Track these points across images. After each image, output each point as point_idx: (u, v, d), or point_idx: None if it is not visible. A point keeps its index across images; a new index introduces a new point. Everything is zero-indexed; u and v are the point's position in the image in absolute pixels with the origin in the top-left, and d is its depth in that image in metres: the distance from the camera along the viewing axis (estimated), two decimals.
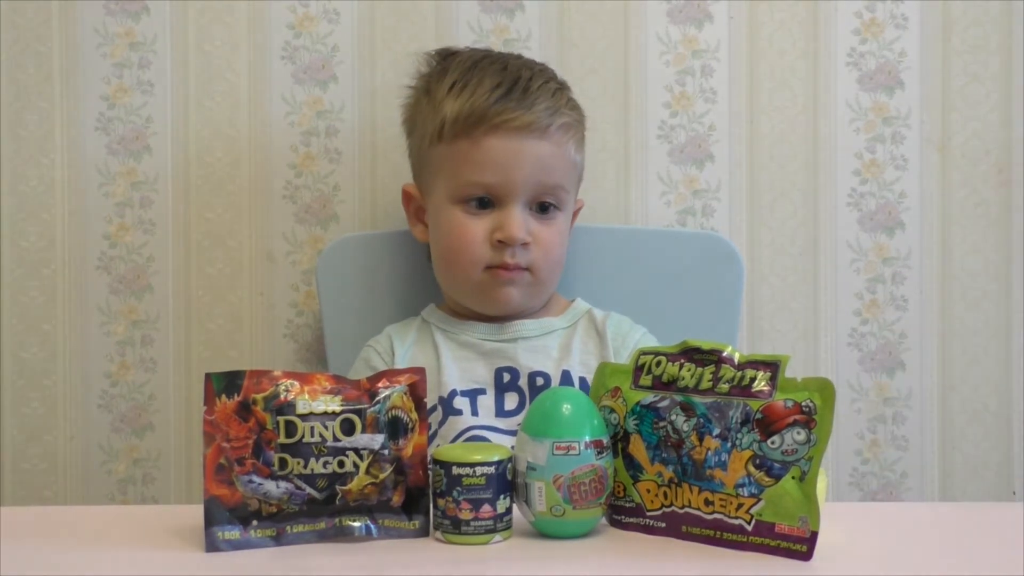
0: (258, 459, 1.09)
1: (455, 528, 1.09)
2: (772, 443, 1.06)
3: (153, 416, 1.69)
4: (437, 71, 1.51)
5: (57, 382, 1.68)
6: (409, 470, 1.12)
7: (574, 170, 1.50)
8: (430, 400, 1.42)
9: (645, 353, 1.16)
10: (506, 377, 1.47)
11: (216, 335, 1.68)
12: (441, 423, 1.44)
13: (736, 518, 1.08)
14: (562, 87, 1.51)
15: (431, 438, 1.41)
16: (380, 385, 1.13)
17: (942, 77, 1.68)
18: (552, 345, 1.49)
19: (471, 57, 1.50)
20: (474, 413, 1.45)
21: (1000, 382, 1.70)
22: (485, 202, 1.45)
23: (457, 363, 1.48)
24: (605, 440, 1.11)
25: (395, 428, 1.12)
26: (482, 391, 1.46)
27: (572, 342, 1.49)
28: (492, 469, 1.09)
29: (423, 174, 1.51)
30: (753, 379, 1.09)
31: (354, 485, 1.10)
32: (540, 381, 1.46)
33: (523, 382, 1.46)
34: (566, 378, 1.46)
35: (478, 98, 1.44)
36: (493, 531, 1.10)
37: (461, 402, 1.45)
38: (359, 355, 1.52)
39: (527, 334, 1.49)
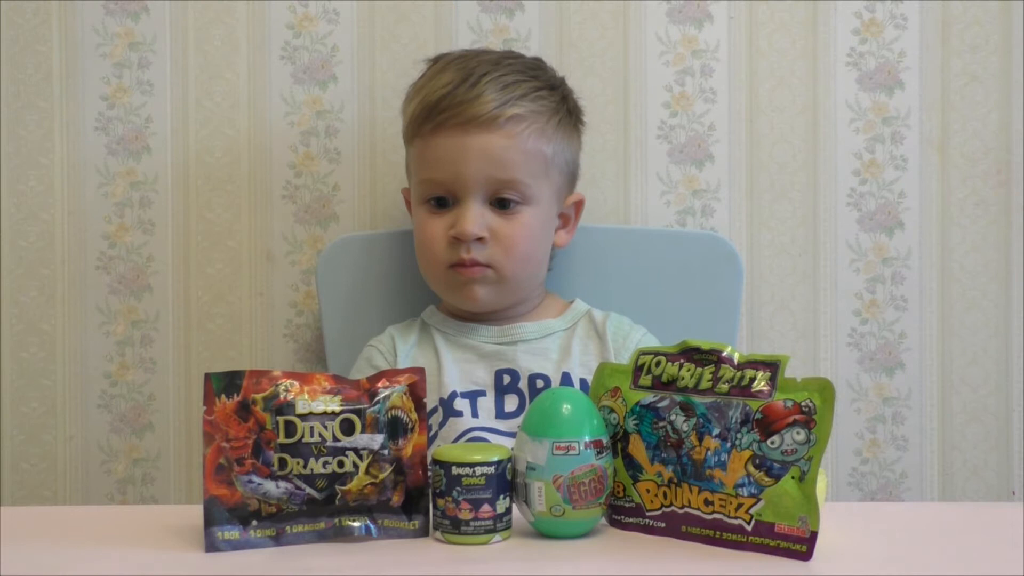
0: (258, 459, 1.09)
1: (455, 528, 1.09)
2: (772, 443, 1.06)
3: (153, 416, 1.69)
4: (420, 76, 1.51)
5: (56, 382, 1.68)
6: (409, 470, 1.12)
7: (539, 162, 1.44)
8: (431, 401, 1.42)
9: (645, 353, 1.16)
10: (506, 379, 1.47)
11: (216, 335, 1.68)
12: (442, 424, 1.44)
13: (736, 518, 1.08)
14: (528, 79, 1.45)
15: (432, 439, 1.41)
16: (380, 385, 1.13)
17: (941, 77, 1.68)
18: (552, 347, 1.49)
19: (447, 58, 1.49)
20: (474, 415, 1.45)
21: (1000, 382, 1.70)
22: (444, 200, 1.45)
23: (457, 365, 1.48)
24: (605, 440, 1.11)
25: (395, 428, 1.12)
26: (482, 393, 1.46)
27: (572, 343, 1.49)
28: (492, 469, 1.09)
29: (407, 176, 1.53)
30: (753, 379, 1.09)
31: (354, 485, 1.10)
32: (540, 383, 1.46)
33: (523, 384, 1.46)
34: (566, 380, 1.45)
35: (428, 96, 1.44)
36: (493, 531, 1.10)
37: (461, 404, 1.45)
38: (360, 354, 1.52)
39: (527, 336, 1.49)
